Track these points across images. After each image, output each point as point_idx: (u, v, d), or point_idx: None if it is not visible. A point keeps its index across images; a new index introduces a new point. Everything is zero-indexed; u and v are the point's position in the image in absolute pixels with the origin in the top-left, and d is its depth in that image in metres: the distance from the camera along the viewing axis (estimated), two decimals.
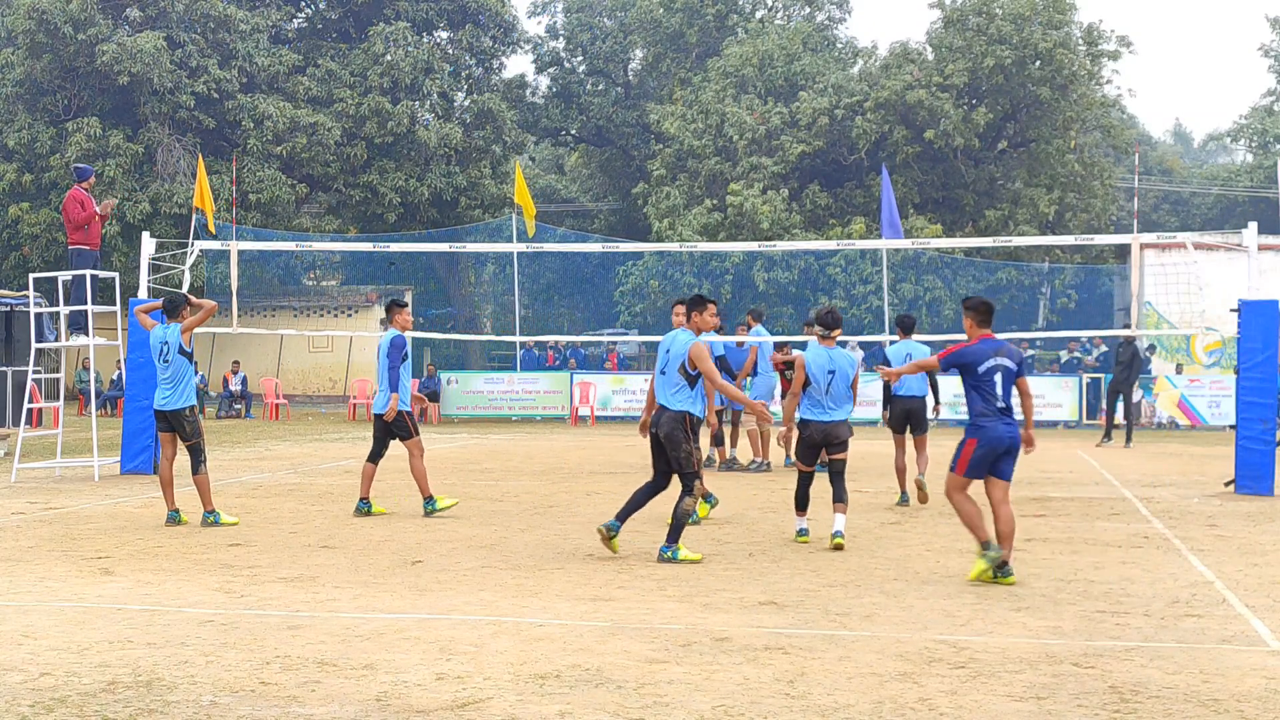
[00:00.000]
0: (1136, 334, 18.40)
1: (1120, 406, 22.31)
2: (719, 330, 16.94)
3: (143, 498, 13.10)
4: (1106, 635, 7.00)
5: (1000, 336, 9.32)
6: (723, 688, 5.84)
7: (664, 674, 6.06)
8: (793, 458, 13.97)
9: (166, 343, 11.34)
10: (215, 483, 14.05)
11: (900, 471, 13.17)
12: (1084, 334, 28.88)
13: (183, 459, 11.55)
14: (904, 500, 13.01)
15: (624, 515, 9.54)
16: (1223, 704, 5.67)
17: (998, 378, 8.69)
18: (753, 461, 16.66)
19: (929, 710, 5.53)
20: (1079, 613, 7.58)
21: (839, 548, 9.80)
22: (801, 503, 10.30)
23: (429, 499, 11.89)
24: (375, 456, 12.08)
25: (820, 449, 10.18)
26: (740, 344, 17.31)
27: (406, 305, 12.63)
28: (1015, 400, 8.90)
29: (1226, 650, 6.68)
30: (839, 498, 10.05)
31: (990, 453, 8.66)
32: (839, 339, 10.37)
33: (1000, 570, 8.45)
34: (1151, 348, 28.76)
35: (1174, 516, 12.16)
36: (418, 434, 12.01)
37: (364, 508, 11.87)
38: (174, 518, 11.07)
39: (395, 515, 11.91)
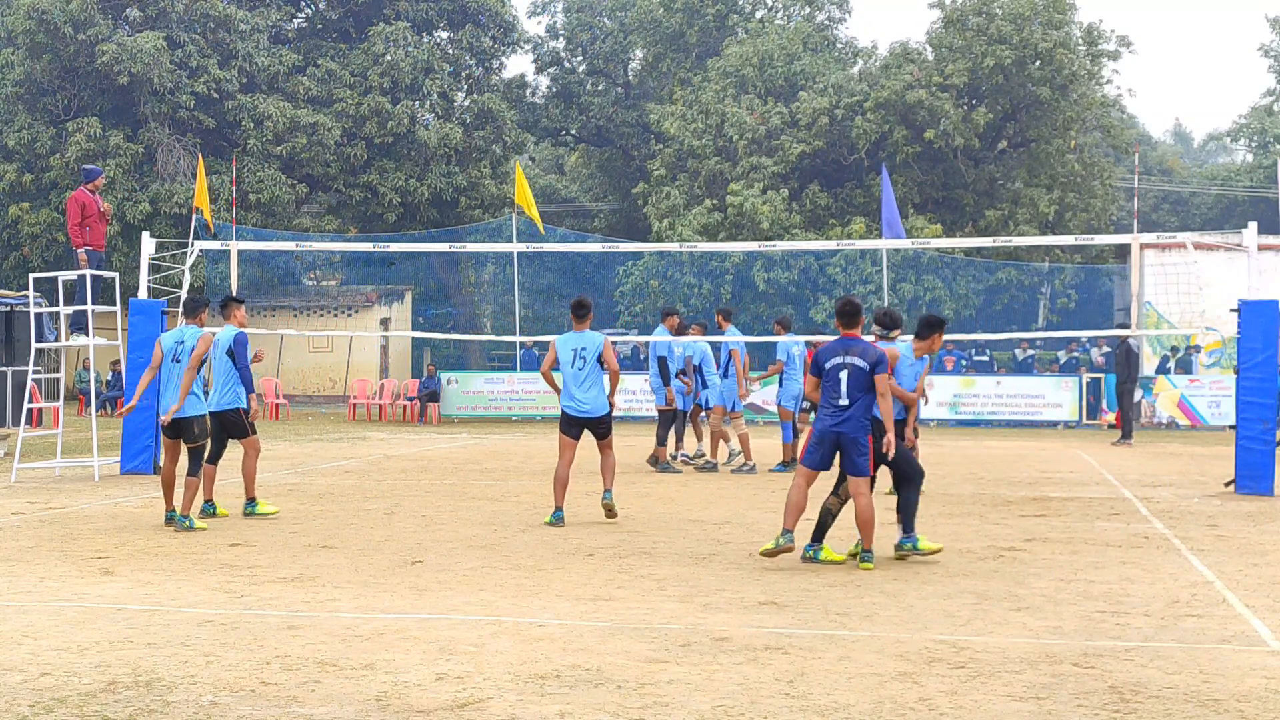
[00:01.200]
0: (1135, 334, 18.43)
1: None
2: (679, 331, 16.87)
3: (143, 498, 13.10)
4: (1106, 635, 7.00)
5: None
6: (723, 688, 5.84)
7: (664, 674, 6.06)
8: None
9: (182, 342, 10.93)
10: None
11: None
12: (1084, 334, 28.90)
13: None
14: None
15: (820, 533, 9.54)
16: (1223, 704, 5.67)
17: (843, 375, 9.10)
18: (708, 462, 16.59)
19: (929, 710, 5.53)
20: (1079, 613, 7.58)
21: (902, 559, 9.58)
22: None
23: (251, 500, 11.65)
24: (214, 457, 11.74)
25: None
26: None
27: (243, 301, 12.40)
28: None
29: (1226, 650, 6.68)
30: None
31: (821, 442, 9.13)
32: (898, 338, 10.19)
33: (862, 557, 9.10)
34: (1196, 348, 28.74)
35: (1174, 516, 12.17)
36: (255, 433, 11.83)
37: (209, 510, 11.52)
38: (172, 518, 10.92)
39: (395, 515, 11.91)
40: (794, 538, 9.12)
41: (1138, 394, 25.16)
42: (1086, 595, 8.13)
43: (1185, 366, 28.61)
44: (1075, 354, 29.76)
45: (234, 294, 14.48)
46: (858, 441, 9.06)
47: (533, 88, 47.05)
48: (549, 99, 46.45)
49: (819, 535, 9.40)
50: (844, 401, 9.04)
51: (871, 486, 9.39)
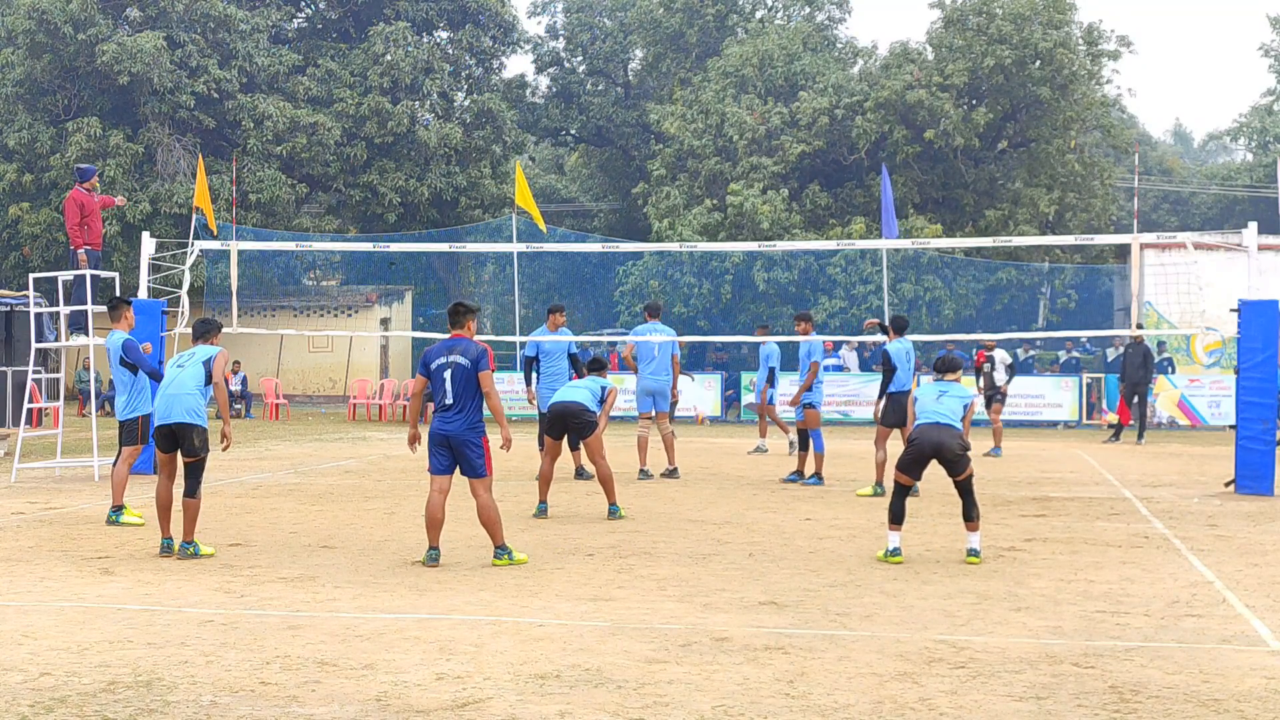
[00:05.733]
0: (1146, 334, 18.48)
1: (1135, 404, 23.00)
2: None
3: (143, 498, 13.08)
4: (1106, 635, 7.00)
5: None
6: (723, 688, 5.84)
7: (664, 674, 6.07)
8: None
9: (194, 354, 9.95)
10: (215, 482, 14.07)
11: (880, 465, 13.69)
12: (1084, 334, 28.86)
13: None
14: (879, 491, 13.50)
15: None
16: (1223, 704, 5.67)
17: (447, 374, 9.05)
18: (669, 469, 15.72)
19: (929, 710, 5.53)
20: (1079, 613, 7.58)
21: (972, 562, 9.39)
22: (896, 515, 9.44)
23: (119, 508, 11.27)
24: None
25: (928, 462, 9.47)
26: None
27: (130, 303, 12.17)
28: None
29: (1226, 650, 6.68)
30: (969, 516, 9.43)
31: (433, 445, 9.10)
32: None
33: (500, 553, 9.14)
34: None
35: (1174, 516, 12.17)
36: (140, 443, 11.69)
37: (114, 517, 11.28)
38: (169, 546, 9.60)
39: (395, 515, 11.91)
40: (439, 554, 9.07)
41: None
42: (1086, 595, 8.13)
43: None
44: (1074, 354, 29.74)
45: (120, 294, 13.87)
46: (469, 443, 9.02)
47: (533, 88, 47.03)
48: (549, 99, 46.44)
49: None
50: (449, 401, 9.03)
51: (908, 492, 9.53)
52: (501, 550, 9.15)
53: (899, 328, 13.97)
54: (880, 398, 13.75)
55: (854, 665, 6.27)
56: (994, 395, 20.09)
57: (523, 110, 43.79)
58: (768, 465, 17.41)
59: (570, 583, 8.42)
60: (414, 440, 9.46)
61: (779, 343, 18.58)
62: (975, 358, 20.72)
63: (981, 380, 20.26)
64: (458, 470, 9.22)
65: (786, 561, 9.34)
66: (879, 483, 13.67)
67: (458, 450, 9.06)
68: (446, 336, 9.46)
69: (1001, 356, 20.23)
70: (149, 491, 13.22)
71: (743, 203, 33.05)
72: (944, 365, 10.19)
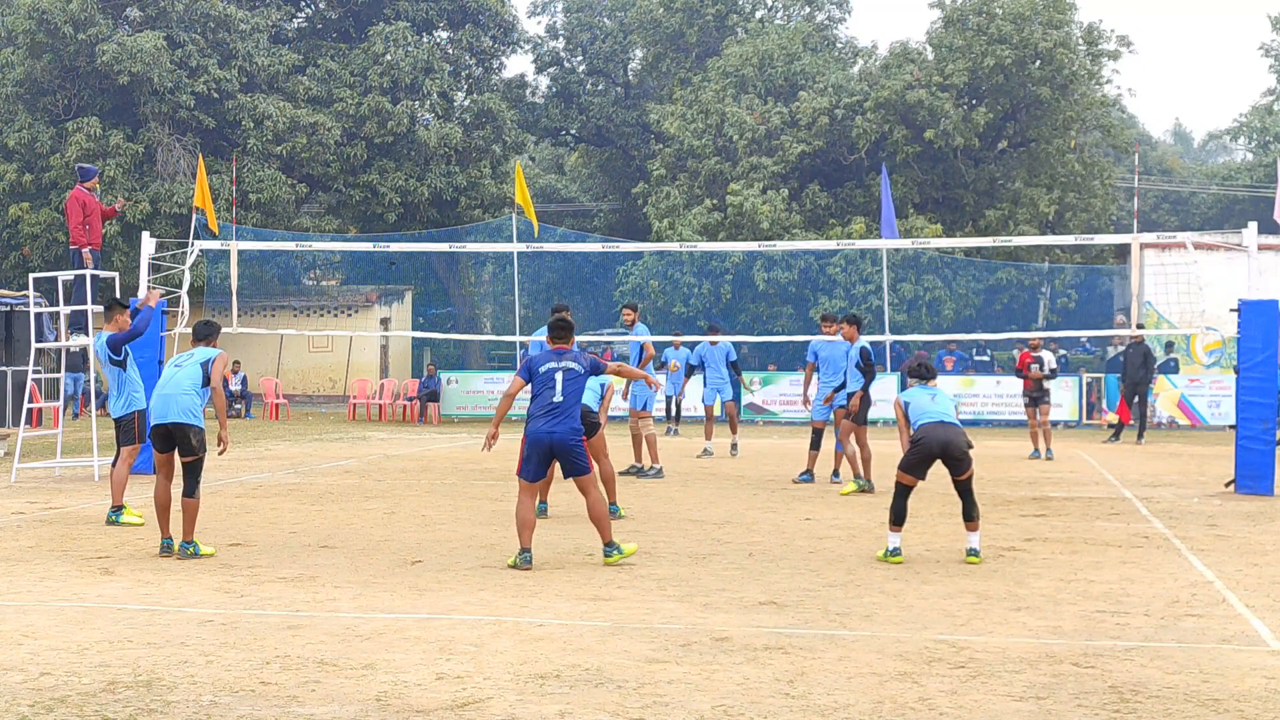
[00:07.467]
0: (1147, 333, 18.51)
1: (1135, 404, 23.10)
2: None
3: (143, 498, 13.07)
4: (1106, 635, 7.00)
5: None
6: (723, 688, 5.84)
7: (664, 674, 6.07)
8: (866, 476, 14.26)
9: (192, 355, 9.89)
10: (215, 482, 14.07)
11: (866, 461, 14.22)
12: (1084, 334, 28.85)
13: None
14: (868, 485, 14.03)
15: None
16: (1223, 704, 5.68)
17: (559, 376, 9.14)
18: (633, 466, 15.72)
19: (929, 710, 5.53)
20: (1079, 613, 7.59)
21: (972, 561, 9.36)
22: (898, 516, 9.41)
23: (119, 508, 11.19)
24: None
25: (934, 461, 9.39)
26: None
27: (128, 307, 12.24)
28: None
29: (1226, 650, 6.68)
30: (969, 515, 9.42)
31: (534, 452, 9.09)
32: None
33: (610, 550, 9.11)
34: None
35: (1174, 516, 12.17)
36: (137, 442, 11.65)
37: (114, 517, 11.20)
38: (169, 546, 9.56)
39: (395, 515, 11.91)
40: (532, 556, 8.98)
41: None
42: (1086, 595, 8.13)
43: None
44: (1061, 353, 29.71)
45: (118, 297, 13.90)
46: (574, 447, 9.08)
47: (533, 88, 47.03)
48: (549, 99, 46.44)
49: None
50: (557, 399, 9.08)
51: (909, 492, 9.49)
52: (611, 547, 9.13)
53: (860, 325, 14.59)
54: (864, 391, 14.27)
55: (854, 665, 6.27)
56: (1042, 397, 19.81)
57: (523, 110, 43.79)
58: (768, 465, 17.42)
59: (570, 583, 8.42)
60: (493, 439, 9.40)
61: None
62: (1020, 358, 20.40)
63: (1024, 379, 20.02)
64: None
65: (786, 561, 9.34)
66: (867, 478, 14.00)
67: (561, 455, 9.09)
68: (548, 349, 9.50)
69: (1049, 357, 20.01)
70: (148, 491, 13.24)
71: (743, 203, 33.05)
72: (929, 371, 10.16)
